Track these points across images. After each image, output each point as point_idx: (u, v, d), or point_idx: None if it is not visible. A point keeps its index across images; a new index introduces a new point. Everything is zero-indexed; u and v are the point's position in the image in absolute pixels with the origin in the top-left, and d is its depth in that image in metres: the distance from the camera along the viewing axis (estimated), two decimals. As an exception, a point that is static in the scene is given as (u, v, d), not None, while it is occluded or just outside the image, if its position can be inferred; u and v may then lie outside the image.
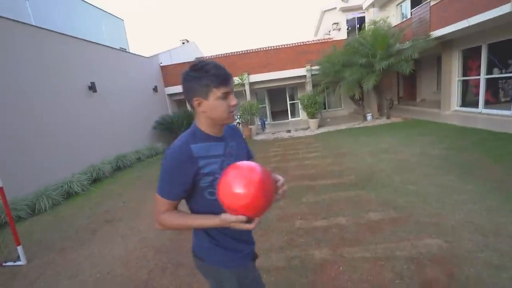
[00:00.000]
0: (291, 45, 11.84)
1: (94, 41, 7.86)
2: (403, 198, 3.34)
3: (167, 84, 11.59)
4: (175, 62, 11.99)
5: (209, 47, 72.31)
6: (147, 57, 10.59)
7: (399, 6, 11.22)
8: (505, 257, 2.09)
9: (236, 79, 10.43)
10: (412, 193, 3.46)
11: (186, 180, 0.96)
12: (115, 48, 9.19)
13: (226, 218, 0.89)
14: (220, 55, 13.31)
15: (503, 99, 7.47)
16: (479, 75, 7.50)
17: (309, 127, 10.08)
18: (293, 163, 5.77)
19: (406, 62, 7.51)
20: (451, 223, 2.66)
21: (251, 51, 12.09)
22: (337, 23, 13.86)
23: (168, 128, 10.25)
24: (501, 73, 7.26)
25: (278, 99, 14.87)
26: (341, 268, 2.26)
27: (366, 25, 10.44)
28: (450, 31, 6.94)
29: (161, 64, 11.39)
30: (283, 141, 8.58)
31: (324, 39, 14.47)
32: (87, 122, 6.86)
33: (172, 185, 0.97)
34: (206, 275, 1.15)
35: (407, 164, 4.56)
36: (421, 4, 8.04)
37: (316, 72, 10.09)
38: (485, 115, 7.28)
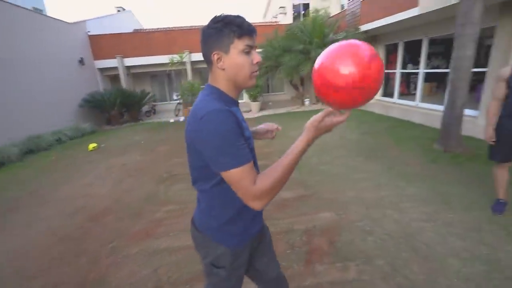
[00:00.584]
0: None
1: (-7, -3, 6.43)
2: (315, 178, 3.70)
3: (97, 57, 10.31)
4: (108, 32, 10.66)
5: (149, 18, 65.28)
6: (70, 23, 9.16)
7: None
8: (375, 224, 2.52)
9: (175, 57, 9.81)
10: (323, 173, 3.85)
11: (243, 138, 0.82)
12: (27, 9, 7.70)
13: (314, 123, 0.80)
14: (160, 29, 12.31)
15: (413, 92, 8.67)
16: (396, 69, 8.51)
17: (251, 110, 10.24)
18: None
19: (338, 52, 8.06)
20: (345, 199, 3.07)
21: (194, 27, 11.43)
22: (284, 7, 13.95)
23: (98, 106, 9.26)
24: (412, 68, 8.36)
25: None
26: (244, 243, 2.43)
27: (310, 12, 10.78)
28: (375, 26, 7.63)
29: (89, 33, 10.01)
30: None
31: (270, 22, 14.49)
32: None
33: (239, 147, 0.79)
34: (199, 246, 1.06)
35: (326, 147, 5.02)
36: (353, -3, 8.59)
37: (260, 55, 10.15)
38: (398, 105, 8.38)
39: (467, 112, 4.58)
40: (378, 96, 9.53)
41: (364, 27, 8.13)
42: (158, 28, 12.55)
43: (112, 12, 14.05)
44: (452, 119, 4.09)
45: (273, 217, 2.81)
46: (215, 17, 0.85)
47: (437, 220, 2.53)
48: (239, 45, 0.83)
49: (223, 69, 0.87)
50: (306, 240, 2.39)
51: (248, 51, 0.85)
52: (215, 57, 0.85)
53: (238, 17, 0.85)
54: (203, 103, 0.83)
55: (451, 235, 2.30)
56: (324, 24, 8.66)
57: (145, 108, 11.47)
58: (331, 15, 10.07)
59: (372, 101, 8.39)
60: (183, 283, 2.00)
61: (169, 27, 11.99)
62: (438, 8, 5.33)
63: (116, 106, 9.30)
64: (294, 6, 14.25)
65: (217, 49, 0.84)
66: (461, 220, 2.50)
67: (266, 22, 14.38)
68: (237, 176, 0.79)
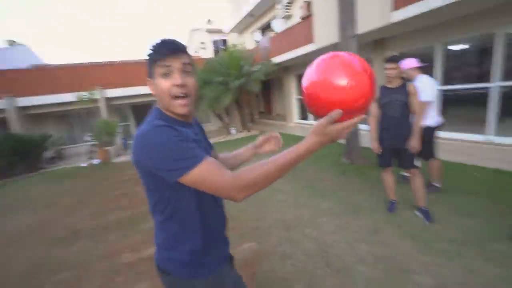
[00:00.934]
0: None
1: None
2: (239, 207, 3.60)
3: (-26, 97, 8.41)
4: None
5: (51, 54, 58.60)
6: None
7: (252, 33, 13.01)
8: (294, 246, 2.53)
9: (84, 94, 8.82)
10: (247, 200, 3.80)
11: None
12: None
13: (320, 127, 0.71)
14: (66, 65, 11.05)
15: (324, 113, 9.85)
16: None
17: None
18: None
19: (255, 82, 8.68)
20: (269, 223, 3.04)
21: (105, 63, 10.70)
22: (203, 42, 14.57)
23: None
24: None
25: (144, 116, 13.78)
26: None
27: (228, 47, 11.47)
28: (284, 59, 8.57)
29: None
30: (147, 161, 7.88)
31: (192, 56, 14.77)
32: None
33: (189, 147, 0.76)
34: None
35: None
36: (264, 35, 9.58)
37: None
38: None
39: (362, 127, 5.36)
40: (297, 119, 10.49)
41: (276, 59, 9.04)
42: (63, 64, 11.23)
43: (0, 46, 12.04)
44: (351, 134, 4.69)
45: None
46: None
47: (347, 229, 2.71)
48: (158, 69, 0.82)
49: (155, 95, 0.87)
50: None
51: (166, 73, 0.82)
52: (148, 83, 0.88)
53: (161, 40, 0.83)
54: (144, 125, 0.81)
55: (358, 241, 2.47)
56: (240, 57, 9.28)
57: (49, 154, 9.72)
58: (247, 50, 10.93)
59: (291, 124, 9.10)
60: None
61: (76, 63, 10.85)
62: (328, 44, 6.34)
63: (3, 156, 7.56)
64: (214, 42, 15.03)
65: (149, 75, 0.86)
66: (366, 225, 2.74)
67: None
68: (200, 176, 0.75)
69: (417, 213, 2.78)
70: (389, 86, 2.71)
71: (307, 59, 8.54)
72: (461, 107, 6.09)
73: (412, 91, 2.62)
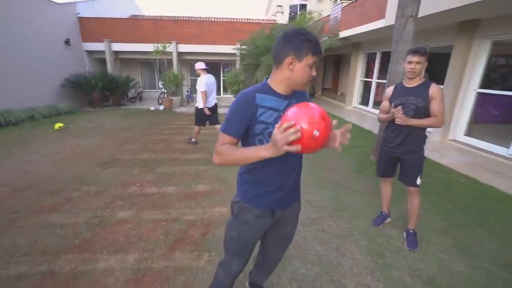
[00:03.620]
0: (226, 20, 11.66)
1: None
2: (234, 174, 3.85)
3: (86, 39, 10.53)
4: (100, 16, 10.85)
5: (152, 5, 63.54)
6: (58, 3, 9.36)
7: (332, 0, 11.77)
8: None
9: (158, 46, 9.93)
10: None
11: (243, 121, 1.09)
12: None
13: (276, 137, 0.88)
14: (150, 17, 12.42)
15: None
16: (373, 78, 8.53)
17: (231, 105, 10.37)
18: (183, 136, 6.01)
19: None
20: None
21: (182, 18, 11.57)
22: (281, 6, 13.97)
23: (81, 87, 9.50)
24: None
25: (213, 73, 14.70)
26: (128, 226, 2.61)
27: (306, 13, 10.84)
28: (352, 34, 7.66)
29: (79, 15, 10.22)
30: (198, 116, 8.75)
31: (268, 19, 14.49)
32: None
33: (232, 123, 1.10)
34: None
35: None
36: (337, 3, 8.60)
37: (245, 52, 10.25)
38: (371, 114, 8.43)
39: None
40: (357, 103, 9.59)
41: (344, 33, 8.16)
42: (149, 16, 12.67)
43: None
44: (381, 131, 4.17)
45: (173, 206, 2.98)
46: (301, 29, 1.06)
47: (316, 226, 2.66)
48: (310, 59, 1.05)
49: (291, 71, 1.07)
50: (183, 230, 2.55)
51: (311, 66, 1.08)
52: (289, 60, 1.05)
53: (316, 37, 1.07)
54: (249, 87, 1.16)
55: (316, 240, 2.44)
56: (308, 27, 8.69)
57: (131, 94, 11.70)
58: (318, 19, 10.09)
59: (349, 107, 8.50)
60: (50, 254, 2.18)
61: (158, 16, 12.09)
62: None
63: (98, 89, 9.53)
64: (291, 6, 14.25)
65: (293, 55, 1.04)
66: (338, 227, 2.64)
67: (253, 20, 14.32)
68: (219, 136, 1.12)
69: (404, 234, 2.49)
70: (407, 85, 2.25)
71: (378, 36, 7.44)
72: None
73: (435, 94, 2.13)
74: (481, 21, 4.80)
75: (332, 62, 13.96)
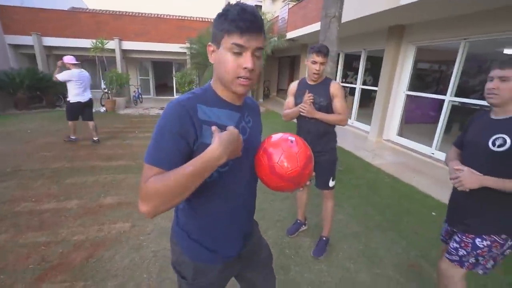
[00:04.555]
0: (173, 17, 11.13)
1: None
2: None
3: (10, 31, 9.22)
4: (28, 6, 9.60)
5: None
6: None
7: (284, 2, 11.89)
8: (155, 239, 2.36)
9: (93, 42, 9.06)
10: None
11: (181, 145, 0.73)
12: None
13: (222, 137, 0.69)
14: (89, 11, 11.40)
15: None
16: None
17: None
18: (115, 141, 5.46)
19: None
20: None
21: (127, 13, 10.78)
22: (236, 6, 13.81)
23: (2, 86, 8.26)
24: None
25: (164, 73, 14.03)
26: (-7, 254, 2.13)
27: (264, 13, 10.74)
28: (297, 35, 7.71)
29: (-1, 3, 8.94)
30: (141, 119, 8.13)
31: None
32: None
33: (164, 148, 0.73)
34: (171, 238, 1.00)
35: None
36: (285, 4, 8.64)
37: (194, 51, 9.84)
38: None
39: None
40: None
41: (290, 34, 8.20)
42: (89, 9, 11.63)
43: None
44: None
45: (66, 225, 2.54)
46: (224, 7, 0.75)
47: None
48: (227, 42, 0.73)
49: (214, 63, 0.79)
50: (64, 254, 2.14)
51: (237, 51, 0.73)
52: (210, 49, 0.80)
53: (241, 9, 0.71)
54: (183, 94, 0.82)
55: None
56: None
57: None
58: (270, 20, 10.08)
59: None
60: None
61: (97, 10, 11.14)
62: None
63: (23, 89, 8.38)
64: (247, 7, 14.16)
65: (212, 41, 0.78)
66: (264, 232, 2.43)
67: (202, 18, 13.94)
68: (143, 172, 0.73)
69: (318, 241, 2.36)
70: (309, 82, 2.08)
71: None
72: None
73: (336, 91, 2.00)
74: (407, 27, 5.05)
75: (287, 63, 14.13)
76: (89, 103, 4.95)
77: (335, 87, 2.00)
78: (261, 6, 14.19)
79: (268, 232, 2.54)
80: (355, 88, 6.96)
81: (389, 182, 3.78)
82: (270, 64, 9.77)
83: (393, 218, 2.86)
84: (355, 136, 6.18)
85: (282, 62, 14.36)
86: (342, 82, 7.79)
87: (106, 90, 9.67)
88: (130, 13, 10.91)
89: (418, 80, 5.57)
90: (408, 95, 5.34)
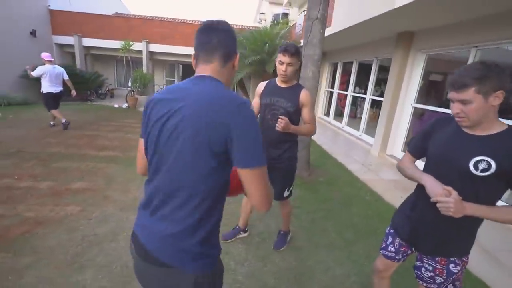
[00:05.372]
0: (197, 22, 11.60)
1: None
2: (128, 175, 3.61)
3: (57, 32, 10.46)
4: (76, 11, 10.83)
5: (139, 5, 62.86)
6: (26, -6, 9.32)
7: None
8: (101, 226, 2.42)
9: (122, 44, 9.84)
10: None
11: None
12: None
13: None
14: (122, 15, 12.42)
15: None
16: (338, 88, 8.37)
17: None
18: (118, 134, 5.80)
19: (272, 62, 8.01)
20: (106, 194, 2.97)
21: (154, 18, 11.54)
22: (264, 13, 13.99)
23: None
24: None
25: (191, 76, 14.62)
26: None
27: (285, 21, 10.91)
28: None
29: (50, 7, 10.19)
30: (155, 116, 8.56)
31: (251, 26, 14.50)
32: None
33: None
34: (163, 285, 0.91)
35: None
36: (301, 11, 8.51)
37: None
38: (332, 125, 8.22)
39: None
40: (321, 114, 9.40)
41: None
42: (121, 13, 12.69)
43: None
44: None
45: (26, 201, 2.74)
46: None
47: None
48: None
49: (234, 68, 0.91)
50: (8, 227, 2.30)
51: None
52: (237, 56, 0.91)
53: None
54: (224, 92, 0.80)
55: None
56: (268, 33, 8.61)
57: (103, 91, 11.59)
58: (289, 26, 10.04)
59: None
60: None
61: (130, 14, 12.09)
62: (343, 28, 5.29)
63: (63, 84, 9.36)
64: (275, 15, 14.27)
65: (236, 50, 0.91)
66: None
67: (241, 25, 14.32)
68: (258, 171, 0.78)
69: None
70: (279, 84, 1.94)
71: (339, 46, 7.32)
72: None
73: (305, 101, 1.88)
74: (416, 34, 4.63)
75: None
76: (59, 94, 5.68)
77: (305, 96, 1.88)
78: (288, 14, 14.21)
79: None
80: (365, 98, 6.55)
81: (368, 200, 3.43)
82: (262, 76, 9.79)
83: (352, 238, 2.58)
84: (360, 149, 5.77)
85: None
86: (354, 91, 7.40)
87: (131, 88, 10.42)
88: (159, 18, 11.68)
89: (428, 93, 5.04)
90: (416, 108, 4.86)
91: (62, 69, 5.73)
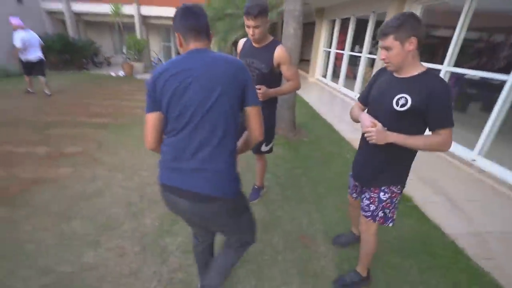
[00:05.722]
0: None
1: None
2: (118, 138, 3.79)
3: (44, -3, 10.05)
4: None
5: None
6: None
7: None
8: (89, 184, 2.65)
9: (114, 6, 9.40)
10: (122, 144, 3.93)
11: None
12: None
13: None
14: None
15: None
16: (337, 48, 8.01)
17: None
18: (114, 101, 5.90)
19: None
20: (141, 166, 3.17)
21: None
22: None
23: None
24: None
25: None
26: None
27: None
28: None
29: (34, -30, 9.67)
30: (151, 83, 8.53)
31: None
32: None
33: None
34: (224, 214, 1.17)
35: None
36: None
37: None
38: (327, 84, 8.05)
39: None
40: (319, 75, 9.15)
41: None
42: None
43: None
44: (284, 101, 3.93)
45: (21, 165, 2.96)
46: None
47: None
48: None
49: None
50: (7, 186, 2.55)
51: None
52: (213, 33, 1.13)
53: None
54: (228, 56, 1.06)
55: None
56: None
57: (99, 58, 11.44)
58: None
59: (312, 80, 8.19)
60: None
61: None
62: None
63: (55, 52, 9.28)
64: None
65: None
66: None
67: None
68: (260, 108, 1.13)
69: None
70: (254, 44, 1.88)
71: (337, 1, 6.84)
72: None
73: (281, 59, 1.83)
74: (412, -18, 4.29)
75: (304, 31, 13.09)
76: (39, 61, 5.66)
77: (281, 53, 1.82)
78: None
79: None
80: (361, 57, 6.31)
81: (348, 158, 3.53)
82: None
83: (323, 192, 2.74)
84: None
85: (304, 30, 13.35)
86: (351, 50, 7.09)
87: (126, 56, 10.23)
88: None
89: (424, 50, 4.80)
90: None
91: (36, 35, 5.64)
